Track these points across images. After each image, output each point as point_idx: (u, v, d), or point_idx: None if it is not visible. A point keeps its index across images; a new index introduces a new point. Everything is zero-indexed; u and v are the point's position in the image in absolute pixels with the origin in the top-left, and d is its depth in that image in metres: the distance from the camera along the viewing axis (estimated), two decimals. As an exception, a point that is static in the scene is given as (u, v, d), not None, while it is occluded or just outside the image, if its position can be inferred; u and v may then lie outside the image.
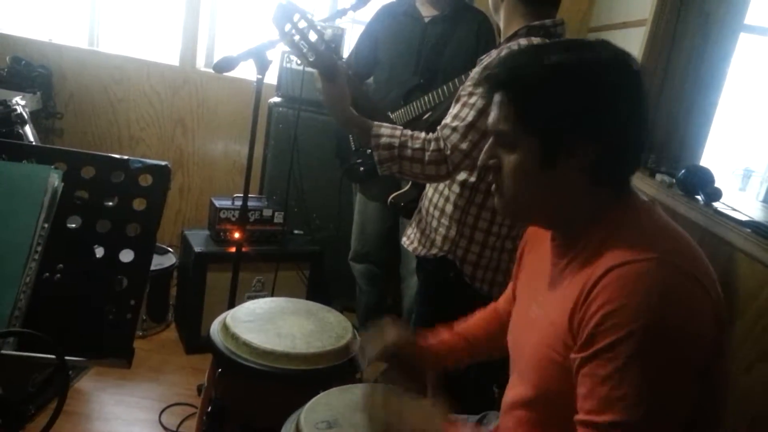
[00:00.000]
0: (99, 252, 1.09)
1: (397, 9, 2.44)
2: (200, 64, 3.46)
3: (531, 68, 0.88)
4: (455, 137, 1.40)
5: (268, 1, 3.51)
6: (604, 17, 3.09)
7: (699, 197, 1.79)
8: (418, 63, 2.38)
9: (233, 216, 2.60)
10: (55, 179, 1.04)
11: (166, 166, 1.16)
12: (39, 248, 1.02)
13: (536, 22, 1.47)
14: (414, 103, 2.25)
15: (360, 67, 2.53)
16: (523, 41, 1.42)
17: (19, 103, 2.10)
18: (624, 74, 0.87)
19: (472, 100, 1.41)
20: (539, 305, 0.97)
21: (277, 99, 2.97)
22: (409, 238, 1.75)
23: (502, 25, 1.56)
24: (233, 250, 2.53)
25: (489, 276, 1.60)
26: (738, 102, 2.53)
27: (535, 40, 1.43)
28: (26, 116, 2.10)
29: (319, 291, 2.76)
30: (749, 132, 2.61)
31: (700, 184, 1.80)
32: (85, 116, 3.41)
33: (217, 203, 2.61)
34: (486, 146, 0.95)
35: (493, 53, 1.46)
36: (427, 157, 1.41)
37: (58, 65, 3.31)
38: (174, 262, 2.77)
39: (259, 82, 1.83)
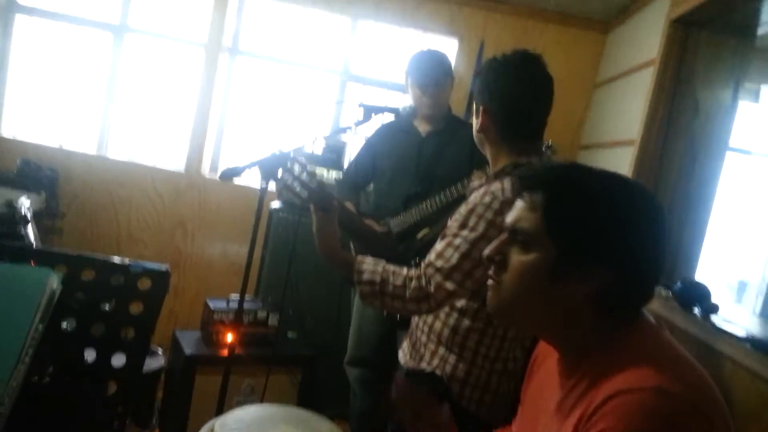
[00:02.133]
0: (91, 355, 1.07)
1: (396, 126, 2.58)
2: (205, 169, 3.57)
3: (571, 179, 0.89)
4: (439, 277, 1.43)
5: (271, 112, 3.70)
6: (594, 136, 3.24)
7: (696, 311, 1.80)
8: (417, 173, 2.47)
9: (227, 318, 2.56)
10: (54, 281, 1.04)
11: (166, 271, 1.16)
12: (30, 350, 1.00)
13: (523, 159, 1.51)
14: (412, 210, 2.32)
15: (359, 177, 2.64)
16: (507, 182, 1.44)
17: (24, 203, 2.15)
18: (651, 209, 0.88)
19: (457, 241, 1.44)
20: (544, 427, 0.94)
21: (278, 204, 3.04)
22: (403, 351, 1.74)
23: (489, 159, 1.59)
24: (225, 352, 2.48)
25: (476, 395, 1.57)
26: (730, 215, 2.60)
27: None
28: (29, 216, 2.14)
29: (310, 396, 2.66)
30: (742, 244, 2.66)
31: (697, 298, 1.82)
32: (86, 216, 3.47)
33: (212, 304, 2.59)
34: (497, 241, 0.94)
35: (480, 192, 1.48)
36: (408, 294, 1.43)
37: (65, 168, 3.42)
38: (162, 364, 2.69)
39: (263, 190, 1.89)
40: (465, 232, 1.44)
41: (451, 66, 2.51)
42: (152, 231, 3.51)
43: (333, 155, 3.10)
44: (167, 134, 3.73)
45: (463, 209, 1.49)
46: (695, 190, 2.48)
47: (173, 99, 3.69)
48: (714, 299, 1.80)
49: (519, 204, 0.92)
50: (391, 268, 1.47)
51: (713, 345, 1.56)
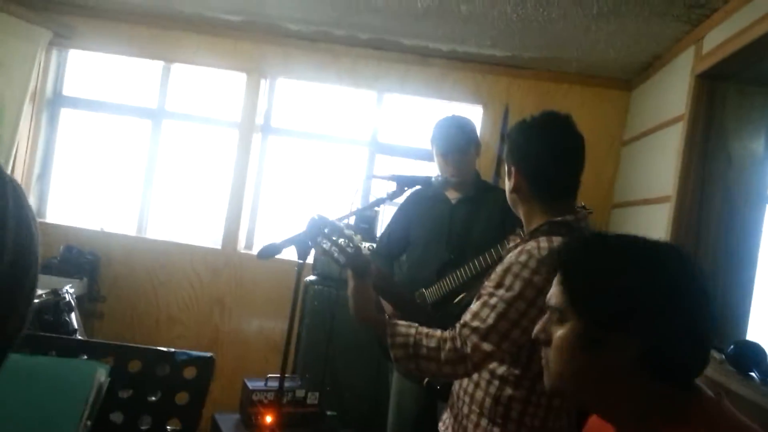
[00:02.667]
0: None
1: (426, 194, 2.60)
2: (240, 246, 3.63)
3: (588, 251, 0.92)
4: (475, 338, 1.40)
5: (302, 191, 3.78)
6: (626, 194, 3.21)
7: (753, 374, 1.71)
8: (449, 241, 2.46)
9: (266, 398, 2.53)
10: (102, 375, 1.05)
11: (211, 357, 1.17)
12: (79, 447, 1.00)
13: (558, 218, 1.49)
14: (446, 279, 2.30)
15: (392, 247, 2.64)
16: (543, 242, 1.44)
17: (69, 291, 2.21)
18: (681, 270, 0.86)
19: (493, 301, 1.42)
20: None
21: (313, 277, 3.05)
22: (444, 423, 1.67)
23: (523, 219, 1.58)
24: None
25: None
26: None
27: (556, 240, 1.44)
28: (73, 303, 2.19)
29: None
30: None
31: (753, 360, 1.73)
32: (126, 299, 3.53)
33: (250, 385, 2.56)
34: (541, 320, 0.95)
35: (515, 252, 1.47)
36: (443, 357, 1.40)
37: (106, 252, 3.52)
38: (203, 450, 2.65)
39: (300, 266, 1.90)
40: (501, 292, 1.41)
41: (474, 131, 2.53)
42: (190, 310, 3.54)
43: (365, 226, 3.13)
44: (204, 213, 3.83)
45: (498, 269, 1.47)
46: (737, 244, 2.41)
47: (209, 179, 3.81)
48: (771, 360, 1.71)
49: (554, 281, 0.94)
50: (425, 330, 1.44)
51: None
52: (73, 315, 2.15)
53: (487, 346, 1.38)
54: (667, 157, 2.67)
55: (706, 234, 2.40)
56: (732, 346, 1.80)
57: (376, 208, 3.15)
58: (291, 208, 3.80)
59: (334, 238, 1.56)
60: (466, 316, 1.44)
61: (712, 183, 2.48)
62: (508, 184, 1.59)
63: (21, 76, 3.43)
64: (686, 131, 2.52)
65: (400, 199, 2.71)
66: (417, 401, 2.50)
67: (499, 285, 1.43)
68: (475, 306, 1.45)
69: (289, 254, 1.94)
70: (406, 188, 1.93)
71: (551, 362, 0.91)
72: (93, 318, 3.45)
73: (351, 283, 1.54)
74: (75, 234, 3.54)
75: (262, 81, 3.69)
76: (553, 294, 0.93)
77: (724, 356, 1.84)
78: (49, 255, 3.30)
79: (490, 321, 1.40)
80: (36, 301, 1.91)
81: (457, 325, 1.44)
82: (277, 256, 1.78)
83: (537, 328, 0.95)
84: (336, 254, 1.57)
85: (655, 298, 0.84)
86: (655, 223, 2.63)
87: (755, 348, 1.78)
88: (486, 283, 1.50)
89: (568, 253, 0.95)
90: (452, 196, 2.54)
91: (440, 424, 1.69)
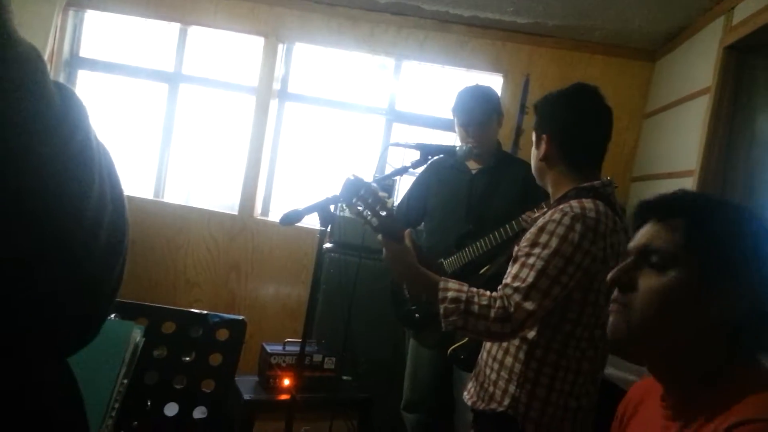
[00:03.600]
0: (173, 409, 1.09)
1: (446, 163, 2.58)
2: (257, 212, 3.65)
3: (711, 202, 0.90)
4: (518, 297, 1.41)
5: (319, 158, 3.77)
6: (647, 167, 3.18)
7: None
8: (468, 212, 2.46)
9: (284, 362, 2.57)
10: (137, 335, 1.07)
11: (243, 320, 1.19)
12: (117, 405, 1.03)
13: (585, 184, 1.54)
14: (465, 249, 2.30)
15: (411, 216, 2.64)
16: (574, 203, 1.47)
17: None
18: None
19: (531, 260, 1.44)
20: None
21: (329, 245, 3.06)
22: (469, 392, 1.69)
23: (549, 188, 1.63)
24: (283, 397, 2.49)
25: None
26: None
27: (586, 202, 1.47)
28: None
29: (368, 443, 2.63)
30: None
31: None
32: (144, 262, 3.56)
33: (269, 348, 2.60)
34: (623, 264, 0.91)
35: (548, 215, 1.50)
36: (492, 314, 1.41)
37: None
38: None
39: (322, 233, 1.91)
40: (537, 250, 1.43)
41: (498, 102, 2.51)
42: (207, 275, 3.58)
43: (384, 194, 3.12)
44: (221, 178, 3.84)
45: (532, 230, 1.49)
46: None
47: (226, 144, 3.81)
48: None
49: (647, 228, 0.90)
50: (475, 289, 1.46)
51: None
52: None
53: (529, 305, 1.40)
54: (691, 131, 2.63)
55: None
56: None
57: (395, 177, 3.14)
58: (308, 175, 3.79)
59: (369, 201, 1.55)
60: (507, 279, 1.46)
61: (736, 159, 2.45)
62: (536, 153, 1.64)
63: (38, 37, 3.41)
64: (712, 105, 2.48)
65: (420, 168, 2.70)
66: (433, 369, 2.54)
67: (534, 244, 1.45)
68: (513, 269, 1.47)
69: (307, 221, 1.94)
70: (430, 157, 1.92)
71: (639, 308, 0.86)
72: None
73: (387, 248, 1.54)
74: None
75: (280, 46, 3.64)
76: (657, 238, 0.87)
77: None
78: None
79: (530, 280, 1.41)
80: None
81: (499, 287, 1.46)
82: (299, 223, 1.78)
83: (617, 271, 0.90)
84: (369, 217, 1.56)
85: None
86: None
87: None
88: (519, 246, 1.51)
89: (686, 201, 0.90)
90: (472, 166, 2.52)
91: (465, 394, 1.71)
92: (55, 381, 0.61)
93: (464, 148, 2.00)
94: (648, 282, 0.87)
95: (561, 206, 1.48)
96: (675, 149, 2.84)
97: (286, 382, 2.51)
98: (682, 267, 0.84)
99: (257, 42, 3.66)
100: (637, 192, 3.24)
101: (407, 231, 1.59)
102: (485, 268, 2.13)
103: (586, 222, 1.42)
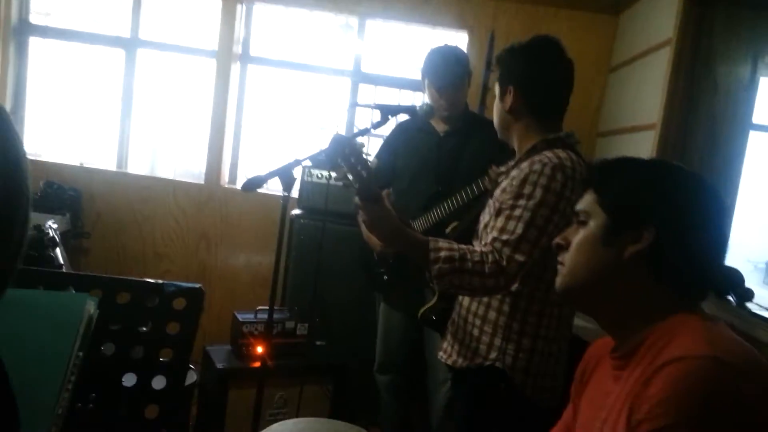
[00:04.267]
0: (131, 379, 1.07)
1: (412, 126, 2.56)
2: (224, 180, 3.59)
3: (619, 162, 1.03)
4: (508, 250, 1.41)
5: (285, 118, 3.71)
6: (612, 122, 3.20)
7: (730, 298, 1.76)
8: (437, 174, 2.45)
9: (256, 330, 2.57)
10: (91, 307, 1.05)
11: (200, 288, 1.17)
12: (73, 378, 1.01)
13: (551, 135, 1.55)
14: (433, 210, 2.30)
15: (380, 179, 2.61)
16: (549, 154, 1.48)
17: (51, 226, 2.18)
18: (703, 187, 0.97)
19: (517, 212, 1.44)
20: (603, 422, 0.94)
21: (298, 211, 3.04)
22: (446, 352, 1.70)
23: (515, 142, 1.63)
24: (256, 365, 2.50)
25: (539, 382, 1.55)
26: (756, 194, 2.55)
27: (559, 152, 1.48)
28: (57, 239, 2.16)
29: (343, 406, 2.67)
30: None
31: (731, 284, 1.78)
32: (111, 235, 3.50)
33: (240, 317, 2.60)
34: (565, 230, 1.05)
35: (524, 166, 1.50)
36: (487, 270, 1.41)
37: (87, 187, 3.46)
38: (195, 380, 2.71)
39: (285, 198, 1.89)
40: (522, 201, 1.44)
41: (468, 63, 2.47)
42: (176, 245, 3.53)
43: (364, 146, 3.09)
44: (185, 146, 3.76)
45: (513, 183, 1.49)
46: (720, 170, 2.43)
47: (189, 111, 3.72)
48: (747, 285, 1.76)
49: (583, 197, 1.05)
50: (465, 246, 1.46)
51: (752, 333, 1.53)
52: (57, 250, 2.13)
53: (520, 257, 1.41)
54: (654, 84, 2.65)
55: (690, 159, 2.42)
56: (710, 269, 1.84)
57: (360, 139, 3.11)
58: (274, 139, 3.73)
59: (352, 161, 1.50)
60: (494, 233, 1.45)
61: (697, 109, 2.48)
62: (500, 106, 1.64)
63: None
64: (673, 56, 2.49)
65: (386, 131, 2.68)
66: (403, 330, 2.56)
67: (518, 195, 1.45)
68: (499, 222, 1.46)
69: (275, 187, 1.91)
70: (390, 117, 1.88)
71: (568, 263, 1.01)
72: (79, 254, 3.43)
73: (367, 211, 1.47)
74: (54, 169, 3.46)
75: (239, 6, 3.53)
76: (582, 201, 1.03)
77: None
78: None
79: (519, 231, 1.42)
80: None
81: (488, 242, 1.45)
82: (262, 190, 1.75)
83: (558, 236, 1.05)
84: (351, 178, 1.51)
85: (673, 199, 0.94)
86: (640, 151, 2.64)
87: (734, 273, 1.82)
88: (500, 199, 1.51)
89: (599, 162, 1.05)
90: (440, 128, 2.50)
91: (441, 354, 1.72)
92: None
93: (425, 107, 1.98)
94: (574, 239, 1.01)
95: (538, 157, 1.48)
96: (639, 103, 2.86)
97: (259, 349, 2.52)
98: (595, 219, 0.99)
99: (215, 3, 3.53)
100: (602, 147, 3.26)
101: (386, 192, 1.57)
102: (452, 226, 2.12)
103: (565, 171, 1.44)
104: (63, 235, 2.94)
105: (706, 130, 2.47)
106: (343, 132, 1.57)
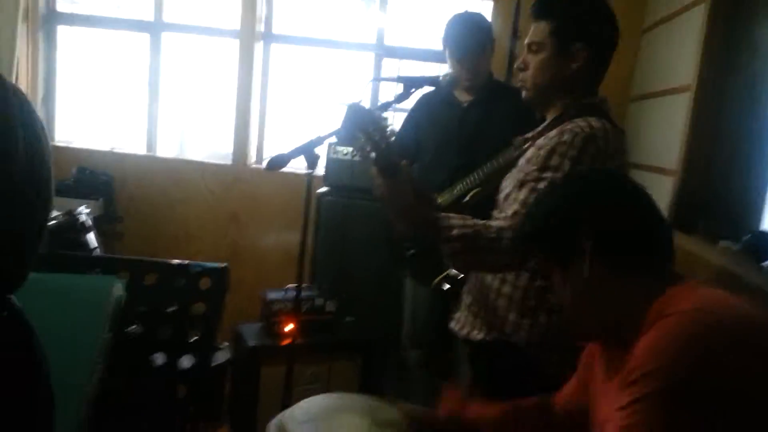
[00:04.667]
0: (159, 359, 1.10)
1: (435, 98, 2.51)
2: (251, 160, 3.61)
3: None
4: None
5: (309, 99, 3.70)
6: (645, 86, 3.09)
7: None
8: (460, 146, 2.41)
9: (285, 307, 2.60)
10: (118, 289, 1.07)
11: (225, 267, 1.18)
12: (101, 358, 1.04)
13: (585, 100, 1.47)
14: (459, 184, 2.26)
15: (402, 151, 2.58)
16: (582, 123, 1.39)
17: (83, 211, 2.22)
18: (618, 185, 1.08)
19: (541, 185, 1.37)
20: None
21: (324, 189, 3.04)
22: (459, 322, 1.67)
23: (549, 108, 1.55)
24: (286, 342, 2.53)
25: (555, 357, 1.52)
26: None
27: (593, 121, 1.40)
28: (89, 224, 2.21)
29: (372, 381, 2.69)
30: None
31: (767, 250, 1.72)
32: (143, 218, 3.57)
33: (269, 295, 2.63)
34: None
35: (552, 134, 1.43)
36: (501, 246, 1.36)
37: (119, 172, 3.52)
38: (228, 358, 2.76)
39: (310, 176, 1.88)
40: (548, 174, 1.36)
41: (490, 30, 2.42)
42: (207, 226, 3.58)
43: (384, 117, 3.06)
44: (212, 128, 3.79)
45: (541, 152, 1.41)
46: (757, 136, 2.33)
47: (215, 91, 3.73)
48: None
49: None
50: (480, 221, 1.40)
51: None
52: (90, 235, 2.18)
53: None
54: (688, 44, 2.53)
55: (727, 123, 2.31)
56: (748, 236, 1.78)
57: (384, 113, 3.08)
58: (299, 117, 3.73)
59: (370, 131, 1.45)
60: (515, 206, 1.39)
61: (736, 71, 2.36)
62: (559, 64, 1.48)
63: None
64: (708, 14, 2.37)
65: (409, 104, 2.64)
66: (430, 305, 2.55)
67: (545, 167, 1.37)
68: (521, 194, 1.39)
69: (301, 165, 1.90)
70: (413, 90, 1.85)
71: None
72: (113, 239, 3.50)
73: (384, 183, 1.43)
74: (86, 155, 3.53)
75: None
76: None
77: (739, 246, 1.83)
78: (62, 177, 3.30)
79: None
80: (52, 223, 1.93)
81: (507, 215, 1.39)
82: (288, 168, 1.73)
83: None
84: (368, 148, 1.47)
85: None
86: (674, 115, 2.54)
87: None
88: (524, 169, 1.44)
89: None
90: (463, 98, 2.46)
91: (453, 323, 1.70)
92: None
93: (448, 77, 1.93)
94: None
95: (569, 125, 1.40)
96: (673, 65, 2.74)
97: (289, 327, 2.54)
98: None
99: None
100: (634, 112, 3.16)
101: (403, 163, 1.52)
102: (474, 192, 2.07)
103: (597, 143, 1.36)
104: (97, 219, 3.01)
105: (745, 93, 2.36)
106: (361, 103, 1.50)
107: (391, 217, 1.53)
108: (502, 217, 1.42)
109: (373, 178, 1.46)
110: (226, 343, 2.89)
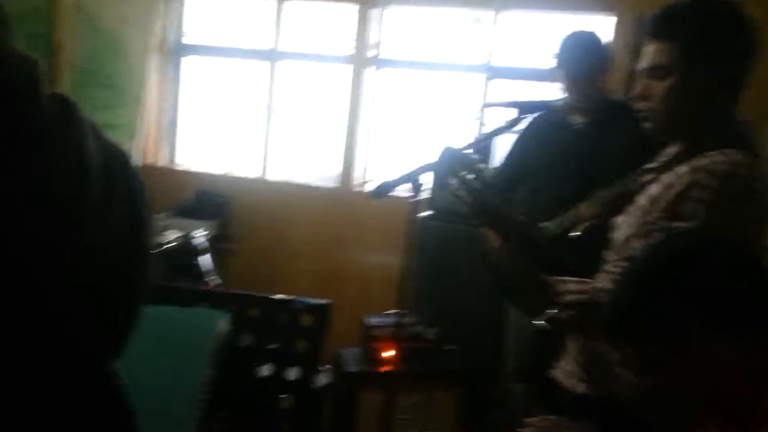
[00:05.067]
0: (259, 397, 1.10)
1: (546, 119, 2.40)
2: (357, 184, 3.69)
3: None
4: None
5: (417, 120, 3.69)
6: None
7: None
8: (572, 171, 2.28)
9: (385, 334, 2.57)
10: (222, 324, 1.09)
11: (327, 305, 1.16)
12: (204, 393, 1.05)
13: (725, 129, 1.27)
14: (569, 213, 2.13)
15: (512, 179, 2.49)
16: (720, 158, 1.19)
17: (198, 234, 2.34)
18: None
19: None
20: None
21: (428, 213, 3.00)
22: (564, 371, 1.54)
23: (678, 136, 1.34)
24: (385, 369, 2.49)
25: (666, 421, 1.36)
26: None
27: (733, 154, 1.20)
28: (203, 246, 2.32)
29: (472, 412, 2.59)
30: None
31: None
32: (254, 238, 3.71)
33: (369, 321, 2.62)
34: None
35: (683, 170, 1.23)
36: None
37: (233, 194, 3.70)
38: (328, 382, 2.77)
39: (414, 203, 1.85)
40: (680, 224, 1.18)
41: (605, 48, 2.29)
42: (311, 248, 3.66)
43: (479, 158, 2.99)
44: (321, 151, 3.89)
45: (670, 195, 1.22)
46: None
47: (324, 116, 3.83)
48: None
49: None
50: (598, 284, 1.28)
51: None
52: (204, 257, 2.28)
53: None
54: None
55: None
56: None
57: (491, 139, 3.00)
58: (407, 141, 3.73)
59: (464, 178, 1.40)
60: None
61: None
62: (686, 90, 1.27)
63: (144, 27, 3.60)
64: None
65: (518, 127, 2.54)
66: (535, 336, 2.42)
67: (674, 215, 1.19)
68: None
69: (406, 191, 1.88)
70: (526, 115, 1.76)
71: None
72: (226, 257, 3.66)
73: (491, 237, 1.40)
74: (204, 179, 3.76)
75: (373, 11, 3.57)
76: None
77: None
78: (183, 199, 3.53)
79: None
80: (167, 246, 2.05)
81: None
82: (393, 193, 1.72)
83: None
84: (462, 195, 1.42)
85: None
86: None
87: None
88: (649, 211, 1.27)
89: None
90: (577, 120, 2.32)
91: (558, 372, 1.57)
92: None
93: (562, 101, 1.82)
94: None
95: (703, 162, 1.21)
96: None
97: (388, 353, 2.51)
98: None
99: (351, 9, 3.60)
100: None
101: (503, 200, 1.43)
102: (582, 226, 1.93)
103: (739, 181, 1.17)
104: (213, 239, 3.18)
105: None
106: (461, 142, 1.44)
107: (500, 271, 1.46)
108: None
109: (484, 234, 1.40)
110: (328, 366, 2.92)
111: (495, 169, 2.62)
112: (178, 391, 0.99)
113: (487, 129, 3.48)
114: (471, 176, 1.37)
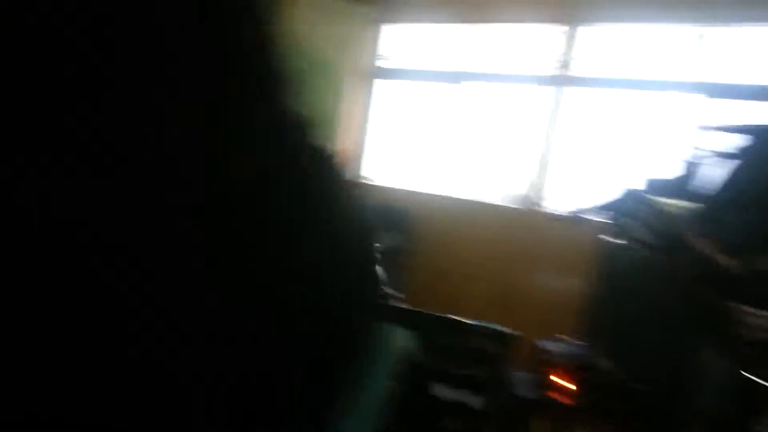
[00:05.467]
0: (442, 422, 1.12)
1: (763, 140, 2.12)
2: (541, 204, 3.63)
3: None
4: None
5: (612, 146, 3.49)
6: None
7: None
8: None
9: (561, 361, 2.47)
10: (408, 343, 1.13)
11: (510, 334, 1.16)
12: (387, 417, 1.09)
13: None
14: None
15: (727, 206, 2.23)
16: None
17: (378, 244, 2.44)
18: None
19: None
20: None
21: (611, 238, 2.82)
22: None
23: None
24: (557, 396, 2.39)
25: None
26: None
27: None
28: (377, 258, 2.41)
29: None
30: None
31: None
32: (432, 253, 3.79)
33: (542, 346, 2.52)
34: None
35: None
36: None
37: (413, 208, 3.84)
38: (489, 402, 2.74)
39: (602, 230, 1.77)
40: None
41: None
42: (486, 266, 3.66)
43: (684, 182, 2.72)
44: (506, 170, 3.87)
45: None
46: None
47: (512, 136, 3.82)
48: None
49: None
50: None
51: None
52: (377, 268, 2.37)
53: None
54: None
55: None
56: None
57: (705, 165, 2.72)
58: (596, 165, 3.55)
59: (648, 221, 1.33)
60: None
61: None
62: None
63: (345, 50, 3.92)
64: None
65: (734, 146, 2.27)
66: (740, 392, 2.14)
67: None
68: None
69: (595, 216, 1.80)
70: (750, 141, 1.59)
71: None
72: (404, 270, 3.78)
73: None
74: (387, 193, 3.95)
75: (568, 29, 3.53)
76: None
77: None
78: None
79: None
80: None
81: None
82: (581, 217, 1.66)
83: None
84: (640, 239, 1.35)
85: None
86: None
87: None
88: None
89: None
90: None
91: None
92: None
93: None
94: None
95: None
96: None
97: (561, 381, 2.41)
98: None
99: (542, 29, 3.59)
100: None
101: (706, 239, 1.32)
102: None
103: None
104: (393, 250, 3.33)
105: None
106: (638, 188, 1.35)
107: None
108: None
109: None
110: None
111: (711, 197, 2.36)
112: (364, 411, 1.04)
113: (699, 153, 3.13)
114: (653, 227, 1.29)
